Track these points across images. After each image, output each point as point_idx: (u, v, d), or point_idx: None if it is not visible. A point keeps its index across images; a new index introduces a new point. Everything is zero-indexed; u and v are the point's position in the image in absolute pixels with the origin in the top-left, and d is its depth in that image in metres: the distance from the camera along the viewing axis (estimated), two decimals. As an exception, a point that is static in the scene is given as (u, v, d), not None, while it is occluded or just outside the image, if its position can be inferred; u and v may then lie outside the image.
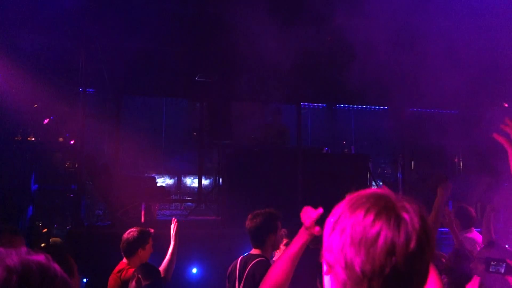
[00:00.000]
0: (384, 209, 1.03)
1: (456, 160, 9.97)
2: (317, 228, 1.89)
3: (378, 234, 1.00)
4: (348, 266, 1.02)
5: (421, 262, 1.02)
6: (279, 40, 7.12)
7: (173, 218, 4.28)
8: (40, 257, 1.07)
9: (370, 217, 1.02)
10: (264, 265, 3.23)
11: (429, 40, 6.78)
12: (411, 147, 8.64)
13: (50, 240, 7.22)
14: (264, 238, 3.41)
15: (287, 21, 7.17)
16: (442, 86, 7.52)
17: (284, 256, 2.00)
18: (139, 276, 3.20)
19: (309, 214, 1.94)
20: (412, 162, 9.43)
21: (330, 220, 1.09)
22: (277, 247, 3.61)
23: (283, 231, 3.82)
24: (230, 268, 3.52)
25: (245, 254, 3.48)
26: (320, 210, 1.96)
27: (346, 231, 1.04)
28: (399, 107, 8.62)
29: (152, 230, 4.09)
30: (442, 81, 7.31)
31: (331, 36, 8.06)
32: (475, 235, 4.70)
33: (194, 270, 6.09)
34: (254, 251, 3.43)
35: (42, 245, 7.19)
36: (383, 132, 10.34)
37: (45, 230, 8.44)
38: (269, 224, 3.42)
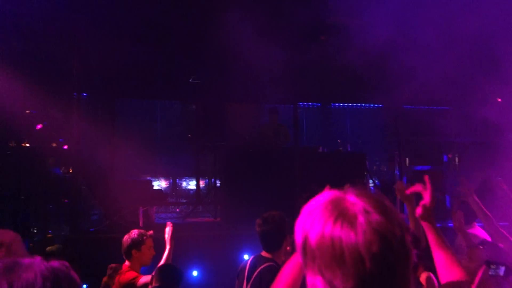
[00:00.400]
0: (338, 216, 1.00)
1: (450, 156, 10.01)
2: None
3: (341, 246, 0.97)
4: (332, 285, 0.98)
5: (394, 258, 0.97)
6: (272, 40, 7.12)
7: (168, 222, 4.25)
8: (61, 265, 1.11)
9: (328, 230, 0.99)
10: (273, 272, 3.16)
11: (422, 37, 6.80)
12: (406, 144, 8.66)
13: (47, 248, 7.15)
14: (280, 242, 3.36)
15: (278, 22, 7.17)
16: (436, 82, 7.55)
17: (293, 261, 1.98)
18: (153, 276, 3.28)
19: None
20: (407, 159, 9.47)
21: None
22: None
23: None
24: (240, 267, 3.55)
25: (256, 255, 3.45)
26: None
27: (315, 254, 1.00)
28: (393, 104, 8.64)
29: (150, 232, 4.09)
30: (436, 77, 7.34)
31: (324, 36, 8.08)
32: (478, 230, 4.69)
33: (195, 273, 6.06)
34: (265, 254, 3.38)
35: (48, 248, 7.13)
36: (378, 130, 10.38)
37: (50, 235, 8.39)
38: (284, 228, 3.35)
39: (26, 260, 1.09)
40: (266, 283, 3.10)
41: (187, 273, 6.06)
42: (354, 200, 1.02)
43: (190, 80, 8.55)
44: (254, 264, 3.36)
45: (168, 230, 4.07)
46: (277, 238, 3.34)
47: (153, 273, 3.35)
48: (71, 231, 6.92)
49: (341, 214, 1.00)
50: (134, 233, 3.94)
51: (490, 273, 2.68)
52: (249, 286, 3.30)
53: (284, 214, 3.42)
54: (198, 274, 6.09)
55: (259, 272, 3.27)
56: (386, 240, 0.97)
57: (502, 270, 2.66)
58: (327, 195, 1.07)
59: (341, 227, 0.98)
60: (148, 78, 8.39)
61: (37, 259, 1.10)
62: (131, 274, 3.76)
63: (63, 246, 6.54)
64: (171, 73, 8.28)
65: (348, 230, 0.97)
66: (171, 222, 4.13)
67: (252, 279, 3.28)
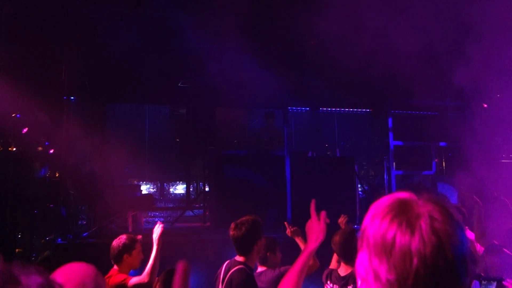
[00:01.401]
0: (398, 214, 1.04)
1: (437, 160, 10.13)
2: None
3: (393, 242, 1.01)
4: (376, 276, 1.02)
5: (445, 266, 0.99)
6: (263, 44, 7.17)
7: (159, 221, 4.24)
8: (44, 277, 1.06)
9: (385, 225, 1.03)
10: (242, 274, 3.30)
11: (408, 40, 6.88)
12: (393, 149, 8.75)
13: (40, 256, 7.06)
14: (251, 246, 3.43)
15: (267, 27, 7.22)
16: (423, 88, 7.65)
17: (294, 270, 2.00)
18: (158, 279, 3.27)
19: (317, 228, 1.98)
20: (394, 164, 9.56)
21: (360, 232, 1.11)
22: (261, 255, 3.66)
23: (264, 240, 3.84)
24: (218, 271, 3.58)
25: (231, 259, 3.52)
26: (324, 216, 2.00)
27: (370, 241, 1.05)
28: (381, 109, 8.72)
29: (139, 237, 4.10)
30: (423, 82, 7.43)
31: (314, 41, 8.13)
32: (468, 233, 4.79)
33: (185, 278, 6.02)
34: (238, 257, 3.45)
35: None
36: (365, 135, 10.46)
37: (42, 241, 8.28)
38: (255, 232, 3.45)
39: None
40: (236, 285, 3.25)
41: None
42: (421, 203, 1.06)
43: (180, 84, 8.53)
44: (228, 268, 3.44)
45: (157, 230, 4.05)
46: (247, 242, 3.42)
47: (157, 278, 3.34)
48: (60, 237, 6.84)
49: (403, 212, 1.04)
50: (124, 238, 3.94)
51: None
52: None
53: (258, 218, 3.50)
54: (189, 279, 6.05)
55: (230, 274, 3.35)
56: (442, 247, 0.99)
57: (493, 286, 2.69)
58: (399, 193, 1.11)
59: (398, 224, 1.02)
60: (137, 82, 8.36)
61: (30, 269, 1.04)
62: (121, 276, 3.76)
63: (51, 252, 6.46)
64: (160, 77, 8.26)
65: (405, 228, 1.01)
66: (161, 222, 4.13)
67: (225, 282, 3.37)
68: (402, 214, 1.03)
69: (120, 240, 3.91)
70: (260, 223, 3.50)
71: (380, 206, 1.08)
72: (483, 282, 2.71)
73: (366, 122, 10.84)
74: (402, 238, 1.00)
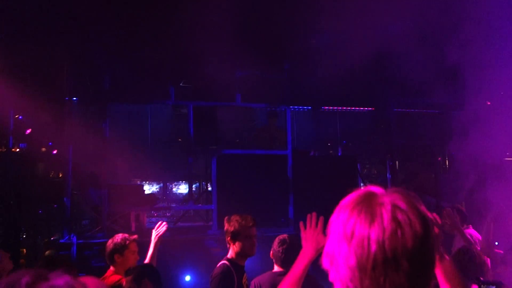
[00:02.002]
0: (360, 204, 1.07)
1: (440, 159, 10.10)
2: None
3: (353, 229, 1.04)
4: (339, 264, 1.05)
5: (404, 251, 1.00)
6: (264, 42, 7.16)
7: (161, 221, 4.15)
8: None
9: (347, 213, 1.07)
10: (221, 268, 3.40)
11: (410, 38, 6.87)
12: (396, 148, 8.73)
13: (45, 253, 7.07)
14: (231, 242, 3.52)
15: (267, 25, 7.20)
16: (425, 85, 7.63)
17: (290, 277, 2.00)
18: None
19: (313, 236, 1.99)
20: (397, 162, 9.53)
21: (327, 227, 1.15)
22: (252, 253, 3.60)
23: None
24: (220, 274, 3.55)
25: (227, 259, 3.56)
26: (321, 223, 2.00)
27: (333, 232, 1.09)
28: (384, 107, 8.71)
29: (134, 236, 4.00)
30: (426, 80, 7.41)
31: (315, 39, 8.12)
32: (472, 231, 4.80)
33: (187, 278, 6.03)
34: (228, 253, 3.54)
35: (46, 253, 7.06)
36: (368, 133, 10.43)
37: (46, 240, 8.32)
38: (234, 229, 3.48)
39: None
40: (212, 278, 3.36)
41: (181, 278, 6.03)
42: (387, 194, 1.09)
43: (181, 84, 8.53)
44: (235, 268, 3.51)
45: (160, 229, 3.97)
46: (229, 237, 3.51)
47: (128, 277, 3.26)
48: (63, 237, 6.86)
49: (367, 202, 1.07)
50: (118, 237, 3.87)
51: None
52: None
53: (252, 217, 3.55)
54: (191, 278, 6.06)
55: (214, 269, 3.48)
56: (402, 235, 1.01)
57: None
58: (370, 187, 1.14)
59: (359, 212, 1.05)
60: (139, 82, 8.36)
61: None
62: (115, 277, 3.70)
63: (56, 251, 6.48)
64: (162, 76, 8.26)
65: (364, 215, 1.04)
66: (165, 222, 4.05)
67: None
68: (365, 203, 1.07)
69: (113, 240, 3.85)
70: (250, 221, 3.53)
71: (348, 198, 1.12)
72: (482, 286, 2.70)
73: (369, 121, 10.82)
74: (361, 225, 1.03)
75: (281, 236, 3.70)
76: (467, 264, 3.38)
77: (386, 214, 1.03)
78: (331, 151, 10.70)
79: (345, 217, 1.07)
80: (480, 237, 4.65)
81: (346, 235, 1.05)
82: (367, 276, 1.01)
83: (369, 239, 1.01)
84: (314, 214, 2.08)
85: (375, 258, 1.00)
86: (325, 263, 1.11)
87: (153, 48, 7.65)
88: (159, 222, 4.04)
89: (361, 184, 8.73)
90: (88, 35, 6.71)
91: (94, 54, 7.24)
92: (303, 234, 2.06)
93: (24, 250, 8.75)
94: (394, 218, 1.02)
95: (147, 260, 3.88)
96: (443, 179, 8.55)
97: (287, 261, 3.43)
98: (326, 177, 7.23)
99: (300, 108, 11.15)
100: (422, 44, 7.10)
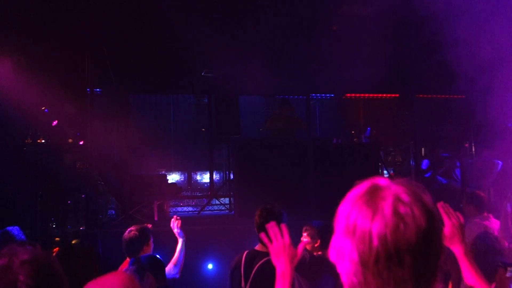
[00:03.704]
0: (364, 197, 1.06)
1: (467, 145, 9.87)
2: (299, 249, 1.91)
3: (355, 224, 1.04)
4: (344, 259, 1.05)
5: (407, 245, 0.99)
6: (287, 30, 7.09)
7: (175, 216, 4.23)
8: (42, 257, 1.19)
9: (349, 207, 1.07)
10: (273, 266, 3.16)
11: (436, 23, 6.68)
12: (422, 134, 8.56)
13: (72, 242, 7.26)
14: (257, 233, 3.24)
15: (294, 11, 7.12)
16: (450, 71, 7.43)
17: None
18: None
19: (285, 250, 1.89)
20: (423, 149, 9.36)
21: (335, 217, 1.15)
22: None
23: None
24: (233, 264, 3.36)
25: (250, 250, 3.32)
26: (285, 233, 1.88)
27: (338, 224, 1.09)
28: (408, 94, 8.53)
29: (150, 225, 4.06)
30: (450, 65, 7.22)
31: (336, 25, 8.00)
32: (491, 221, 4.60)
33: (210, 266, 6.09)
34: (261, 248, 3.24)
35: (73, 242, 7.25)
36: (392, 120, 10.27)
37: (73, 231, 8.55)
38: (280, 221, 3.33)
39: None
40: (270, 277, 3.03)
41: (204, 266, 6.09)
42: (391, 187, 1.07)
43: (203, 74, 8.55)
44: (251, 260, 3.24)
45: (174, 224, 4.07)
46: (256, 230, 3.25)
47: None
48: (88, 226, 7.01)
49: (370, 195, 1.06)
50: (137, 229, 3.87)
51: (507, 275, 2.62)
52: (248, 285, 3.17)
53: (282, 207, 3.34)
54: (213, 266, 6.12)
55: (260, 267, 3.15)
56: (404, 229, 1.00)
57: None
58: (376, 179, 1.12)
59: (361, 206, 1.05)
60: (161, 72, 8.42)
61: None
62: None
63: (81, 240, 6.63)
64: (184, 66, 8.29)
65: (365, 209, 1.04)
66: (178, 216, 4.15)
67: (252, 276, 3.17)
68: (368, 197, 1.06)
69: (134, 232, 3.84)
70: (283, 212, 3.34)
71: (353, 191, 1.11)
72: (508, 268, 2.63)
73: (393, 107, 10.64)
74: (363, 220, 1.03)
75: (307, 226, 3.67)
76: (487, 250, 3.29)
77: (388, 208, 1.02)
78: (355, 139, 10.58)
79: (348, 210, 1.07)
80: (497, 227, 4.49)
81: (349, 229, 1.05)
82: (370, 271, 1.01)
83: (370, 233, 1.01)
84: (273, 224, 1.92)
85: (378, 253, 1.00)
86: (332, 256, 1.11)
87: (175, 38, 7.67)
88: (172, 219, 4.15)
89: (385, 172, 8.62)
90: (108, 26, 6.76)
91: (115, 45, 7.31)
92: (271, 250, 1.90)
93: (57, 238, 9.00)
94: (396, 212, 1.01)
95: (176, 255, 3.98)
96: (469, 166, 8.34)
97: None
98: (348, 164, 7.15)
99: (323, 96, 11.06)
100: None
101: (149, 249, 3.88)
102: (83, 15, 6.58)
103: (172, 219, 4.14)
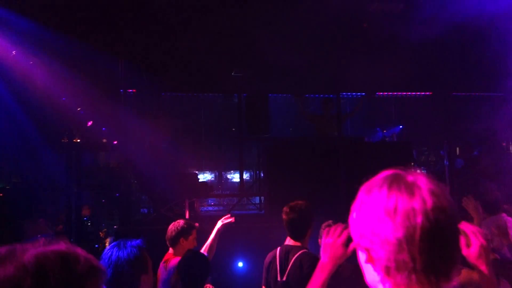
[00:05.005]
0: (394, 181, 1.12)
1: (504, 144, 9.59)
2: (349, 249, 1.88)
3: (395, 204, 1.08)
4: (383, 240, 1.08)
5: (446, 219, 1.07)
6: (312, 29, 7.05)
7: (229, 215, 4.35)
8: (55, 252, 1.03)
9: (384, 191, 1.11)
10: (311, 257, 3.24)
11: (470, 19, 6.51)
12: (456, 133, 8.35)
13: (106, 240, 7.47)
14: (305, 230, 3.41)
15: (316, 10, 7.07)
16: (486, 68, 7.23)
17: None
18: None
19: (335, 247, 1.90)
20: (457, 148, 9.12)
21: (353, 210, 1.19)
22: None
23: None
24: (268, 259, 3.50)
25: (283, 245, 3.44)
26: (344, 233, 1.90)
27: (370, 211, 1.12)
28: (442, 92, 8.34)
29: (197, 224, 4.18)
30: (486, 62, 7.03)
31: (366, 23, 7.90)
32: (504, 218, 4.39)
33: (240, 264, 6.13)
34: (294, 242, 3.39)
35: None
36: (425, 119, 10.06)
37: (105, 230, 8.79)
38: (309, 216, 3.42)
39: (18, 248, 1.02)
40: (307, 268, 3.13)
41: (235, 264, 6.14)
42: (411, 174, 1.14)
43: (233, 74, 8.59)
44: (286, 254, 3.37)
45: (222, 222, 4.19)
46: (303, 225, 3.40)
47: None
48: (122, 224, 7.16)
49: (398, 180, 1.12)
50: (182, 222, 4.04)
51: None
52: (285, 276, 3.30)
53: (309, 203, 3.47)
54: (243, 265, 6.16)
55: (296, 259, 3.28)
56: (440, 203, 1.07)
57: None
58: (389, 170, 1.18)
59: (398, 189, 1.10)
60: (192, 72, 8.52)
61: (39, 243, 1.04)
62: (177, 259, 3.83)
63: (115, 237, 6.79)
64: (214, 66, 8.36)
65: (404, 191, 1.09)
66: (232, 217, 4.28)
67: (289, 269, 3.28)
68: (398, 181, 1.12)
69: (178, 224, 4.02)
70: (310, 208, 3.47)
71: (374, 181, 1.16)
72: None
73: (427, 105, 10.42)
74: (404, 200, 1.08)
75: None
76: None
77: (423, 187, 1.09)
78: (387, 138, 10.42)
79: (383, 195, 1.10)
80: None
81: (388, 211, 1.08)
82: (416, 247, 1.04)
83: (414, 210, 1.06)
84: (339, 224, 1.96)
85: (422, 227, 1.05)
86: (364, 243, 1.13)
87: (205, 39, 7.74)
88: (227, 215, 4.28)
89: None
90: (140, 26, 6.89)
91: (147, 46, 7.43)
92: (322, 243, 1.95)
93: (101, 233, 9.28)
94: (432, 191, 1.08)
95: (204, 248, 4.05)
96: (507, 165, 8.08)
97: None
98: (380, 164, 7.03)
99: (353, 95, 10.94)
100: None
101: (187, 244, 3.96)
102: (115, 17, 6.71)
103: (228, 217, 4.25)
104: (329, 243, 1.92)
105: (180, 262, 3.27)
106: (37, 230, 6.54)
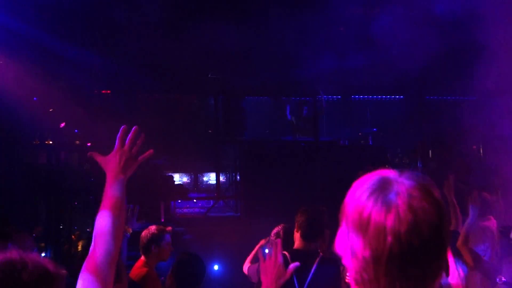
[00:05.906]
0: (376, 191, 1.02)
1: (475, 147, 9.78)
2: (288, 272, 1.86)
3: (369, 217, 1.00)
4: (353, 254, 1.02)
5: (420, 244, 0.97)
6: (294, 32, 7.08)
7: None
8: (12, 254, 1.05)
9: (363, 201, 1.02)
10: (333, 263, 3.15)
11: (445, 27, 6.65)
12: (429, 136, 8.50)
13: (81, 243, 7.30)
14: (321, 231, 3.31)
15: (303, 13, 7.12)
16: (459, 73, 7.38)
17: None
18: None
19: (275, 269, 1.86)
20: (430, 151, 9.28)
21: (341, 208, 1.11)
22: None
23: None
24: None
25: (292, 250, 3.25)
26: (279, 256, 1.87)
27: (348, 217, 1.05)
28: (415, 95, 8.49)
29: (169, 228, 4.02)
30: (459, 67, 7.17)
31: (343, 27, 7.98)
32: (492, 223, 4.47)
33: (216, 267, 6.09)
34: (309, 245, 3.25)
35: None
36: (399, 122, 10.21)
37: (77, 233, 8.59)
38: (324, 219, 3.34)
39: None
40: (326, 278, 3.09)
41: (210, 267, 6.09)
42: (402, 181, 1.03)
43: (209, 75, 8.55)
44: (302, 261, 3.18)
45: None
46: (320, 228, 3.28)
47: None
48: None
49: (382, 189, 1.02)
50: (153, 228, 3.86)
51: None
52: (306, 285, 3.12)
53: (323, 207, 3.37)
54: (219, 267, 6.12)
55: (317, 268, 3.13)
56: (418, 225, 0.97)
57: None
58: (383, 171, 1.09)
59: (375, 201, 1.01)
60: (167, 73, 8.44)
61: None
62: (143, 270, 3.69)
63: (86, 242, 6.66)
64: (190, 68, 8.31)
65: (381, 205, 1.00)
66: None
67: (309, 278, 3.11)
68: (381, 191, 1.02)
69: (149, 231, 3.83)
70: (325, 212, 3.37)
71: (361, 183, 1.07)
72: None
73: (400, 109, 10.59)
74: (377, 215, 0.99)
75: (276, 229, 3.63)
76: None
77: (402, 204, 0.99)
78: (361, 141, 10.53)
79: (361, 204, 1.03)
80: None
81: (362, 224, 1.01)
82: (382, 267, 0.98)
83: (385, 230, 0.98)
84: (278, 242, 1.92)
85: (391, 250, 0.97)
86: (338, 249, 1.08)
87: (183, 41, 7.69)
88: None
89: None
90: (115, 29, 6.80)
91: (121, 46, 7.34)
92: (262, 267, 1.89)
93: (73, 236, 9.05)
94: (410, 208, 0.99)
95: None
96: (477, 168, 8.27)
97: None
98: (355, 167, 7.11)
99: (330, 98, 11.03)
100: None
101: (160, 251, 3.79)
102: (90, 19, 6.61)
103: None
104: (270, 266, 1.86)
105: (175, 265, 3.19)
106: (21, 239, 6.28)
